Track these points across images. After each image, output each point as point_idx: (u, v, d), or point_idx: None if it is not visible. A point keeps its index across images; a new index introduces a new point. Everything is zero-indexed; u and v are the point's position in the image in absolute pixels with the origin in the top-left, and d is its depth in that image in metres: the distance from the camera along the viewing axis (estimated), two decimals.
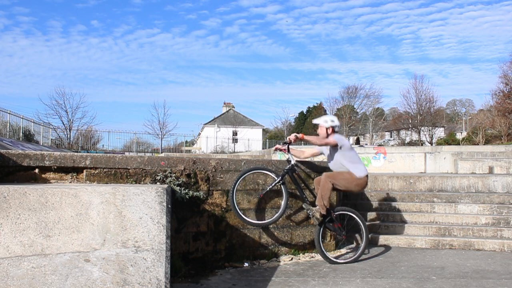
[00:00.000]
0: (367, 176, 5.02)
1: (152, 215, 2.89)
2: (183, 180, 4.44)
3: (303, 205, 5.03)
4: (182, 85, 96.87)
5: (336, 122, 5.12)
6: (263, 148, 40.05)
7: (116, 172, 4.15)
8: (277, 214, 4.79)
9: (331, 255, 5.00)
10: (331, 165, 5.13)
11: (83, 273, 2.70)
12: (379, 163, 15.16)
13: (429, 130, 41.66)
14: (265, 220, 4.86)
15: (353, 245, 5.81)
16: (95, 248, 2.75)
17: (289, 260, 4.92)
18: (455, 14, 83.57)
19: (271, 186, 4.79)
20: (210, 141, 41.66)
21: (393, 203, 6.72)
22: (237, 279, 4.16)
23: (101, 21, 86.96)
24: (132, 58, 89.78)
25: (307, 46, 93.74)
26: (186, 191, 4.35)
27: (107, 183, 4.05)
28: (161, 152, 32.84)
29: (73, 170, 3.96)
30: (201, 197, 4.52)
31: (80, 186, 3.15)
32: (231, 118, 52.50)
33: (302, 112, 63.83)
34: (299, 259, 5.03)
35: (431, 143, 39.78)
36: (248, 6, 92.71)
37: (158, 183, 4.25)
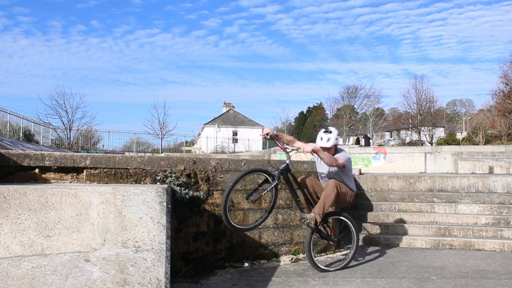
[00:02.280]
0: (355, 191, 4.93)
1: (152, 215, 2.88)
2: (183, 180, 4.43)
3: (297, 213, 4.63)
4: (182, 85, 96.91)
5: (338, 138, 4.71)
6: (263, 148, 40.01)
7: (116, 172, 4.15)
8: (260, 220, 4.42)
9: (322, 263, 4.66)
10: (327, 174, 4.78)
11: (83, 273, 2.70)
12: (379, 163, 15.15)
13: (429, 130, 41.64)
14: (250, 225, 4.49)
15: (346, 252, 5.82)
16: (95, 248, 2.75)
17: (289, 260, 4.92)
18: (454, 14, 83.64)
19: (266, 191, 4.30)
20: (210, 141, 41.65)
21: (393, 203, 6.71)
22: (237, 279, 4.16)
23: (101, 21, 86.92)
24: (132, 58, 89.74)
25: (307, 46, 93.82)
26: (186, 191, 4.35)
27: (107, 183, 4.05)
28: (161, 152, 32.83)
29: (73, 170, 3.96)
30: (201, 197, 4.52)
31: (80, 186, 3.15)
32: (231, 118, 52.49)
33: (302, 112, 63.81)
34: (299, 259, 5.02)
35: (431, 143, 39.76)
36: (248, 6, 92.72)
37: (158, 183, 4.25)
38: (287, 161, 4.47)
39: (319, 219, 4.43)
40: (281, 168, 4.40)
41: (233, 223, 4.14)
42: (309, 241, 4.54)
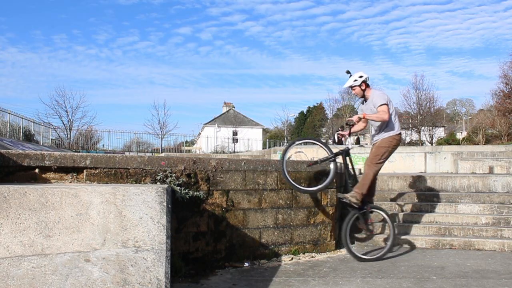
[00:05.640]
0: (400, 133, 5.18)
1: (152, 215, 2.88)
2: (183, 180, 4.43)
3: (337, 194, 5.29)
4: (182, 87, 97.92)
5: (365, 74, 5.14)
6: (263, 148, 40.02)
7: (116, 172, 4.14)
8: (324, 183, 4.96)
9: (358, 252, 4.98)
10: (376, 130, 5.18)
11: (83, 273, 2.70)
12: None
13: (429, 130, 41.62)
14: (313, 187, 5.03)
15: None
16: (95, 248, 2.75)
17: (289, 260, 4.92)
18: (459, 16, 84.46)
19: (323, 159, 5.00)
20: (210, 141, 41.64)
21: (393, 203, 6.71)
22: (237, 279, 4.16)
23: (107, 32, 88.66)
24: (134, 64, 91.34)
25: (317, 52, 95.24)
26: (186, 191, 4.35)
27: (107, 183, 4.05)
28: (161, 152, 32.84)
29: (73, 170, 3.96)
30: (201, 197, 4.52)
31: (80, 186, 3.15)
32: (231, 118, 52.48)
33: (302, 112, 63.82)
34: (299, 259, 5.02)
35: (431, 143, 39.76)
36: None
37: (158, 183, 4.25)
38: (349, 146, 5.17)
39: (360, 196, 4.84)
40: (342, 149, 5.09)
41: (299, 186, 4.89)
42: (346, 225, 4.86)
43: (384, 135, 5.07)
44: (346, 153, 5.11)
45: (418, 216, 6.32)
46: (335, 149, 5.17)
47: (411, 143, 40.50)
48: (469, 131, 42.22)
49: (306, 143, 5.40)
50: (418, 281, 4.11)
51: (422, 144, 37.51)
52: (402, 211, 6.54)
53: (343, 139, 5.34)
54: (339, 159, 5.15)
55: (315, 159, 5.30)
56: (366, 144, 40.60)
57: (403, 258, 5.09)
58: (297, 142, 5.19)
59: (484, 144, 29.57)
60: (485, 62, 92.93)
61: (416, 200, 6.75)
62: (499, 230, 5.78)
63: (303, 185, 5.08)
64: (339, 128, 5.79)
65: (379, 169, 5.08)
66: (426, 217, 6.29)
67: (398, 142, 5.10)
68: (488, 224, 6.01)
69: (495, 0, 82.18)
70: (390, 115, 4.96)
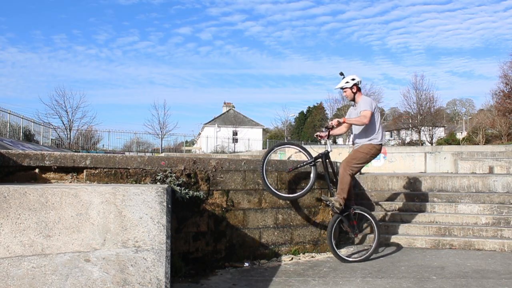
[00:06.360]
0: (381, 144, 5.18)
1: (152, 215, 2.88)
2: (183, 180, 4.43)
3: (321, 197, 5.24)
4: (182, 87, 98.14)
5: (357, 78, 5.20)
6: (263, 148, 39.99)
7: (116, 172, 4.14)
8: (304, 189, 4.97)
9: (342, 254, 5.03)
10: (356, 135, 5.25)
11: (83, 273, 2.70)
12: (379, 163, 15.14)
13: (429, 130, 41.61)
14: (293, 194, 5.05)
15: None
16: (95, 248, 2.75)
17: (289, 260, 4.92)
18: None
19: (302, 165, 5.03)
20: (210, 141, 41.63)
21: (393, 203, 6.71)
22: (237, 279, 4.16)
23: (107, 33, 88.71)
24: (134, 64, 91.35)
25: (317, 52, 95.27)
26: (186, 191, 4.35)
27: (107, 183, 4.05)
28: (161, 152, 32.83)
29: (73, 170, 3.96)
30: (201, 197, 4.52)
31: (80, 186, 3.15)
32: (231, 118, 52.47)
33: (302, 112, 63.82)
34: (299, 259, 5.03)
35: (431, 143, 39.75)
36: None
37: (158, 183, 4.25)
38: (329, 149, 5.16)
39: (342, 201, 4.87)
40: (321, 152, 5.11)
41: (278, 193, 4.87)
42: (331, 228, 4.92)
43: (366, 141, 5.12)
44: (325, 156, 5.11)
45: (418, 216, 6.32)
46: (315, 153, 5.15)
47: (411, 143, 40.49)
48: (469, 131, 42.20)
49: (286, 147, 5.40)
50: (418, 281, 4.11)
51: (422, 144, 37.50)
52: (402, 211, 6.54)
53: (322, 140, 5.33)
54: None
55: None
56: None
57: (403, 258, 5.09)
58: (275, 148, 5.19)
59: (484, 144, 29.57)
60: (485, 62, 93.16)
61: (416, 200, 6.75)
62: (499, 230, 5.78)
63: (283, 191, 5.09)
64: (323, 129, 5.62)
65: (355, 173, 5.11)
66: (426, 217, 6.29)
67: (377, 152, 5.14)
68: (488, 224, 6.01)
69: (495, 0, 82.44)
70: (371, 120, 5.00)
